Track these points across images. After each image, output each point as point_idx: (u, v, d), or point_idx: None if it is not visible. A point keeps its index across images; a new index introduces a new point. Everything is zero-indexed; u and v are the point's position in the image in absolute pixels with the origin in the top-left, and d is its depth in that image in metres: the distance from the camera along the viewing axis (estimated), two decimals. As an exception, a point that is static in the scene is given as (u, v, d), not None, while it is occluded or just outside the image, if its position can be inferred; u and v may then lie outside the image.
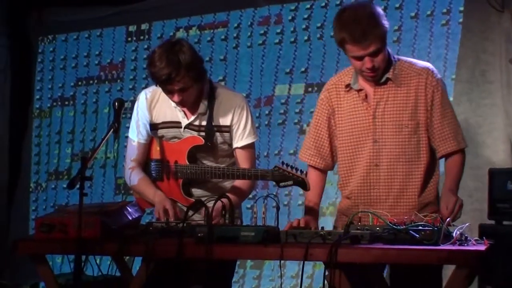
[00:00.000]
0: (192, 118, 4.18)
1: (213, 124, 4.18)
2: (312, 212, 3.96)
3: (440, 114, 3.84)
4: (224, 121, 4.19)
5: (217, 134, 4.18)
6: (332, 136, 4.02)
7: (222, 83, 6.41)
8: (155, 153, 4.29)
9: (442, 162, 3.98)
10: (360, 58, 3.75)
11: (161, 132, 4.25)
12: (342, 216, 4.00)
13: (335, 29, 3.80)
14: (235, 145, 4.21)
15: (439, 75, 3.91)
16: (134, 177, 4.26)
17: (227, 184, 4.27)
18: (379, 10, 3.79)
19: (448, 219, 3.42)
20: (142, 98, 4.30)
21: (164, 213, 4.05)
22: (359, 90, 3.90)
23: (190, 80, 4.01)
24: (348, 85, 3.94)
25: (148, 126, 4.27)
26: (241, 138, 4.19)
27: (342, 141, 3.97)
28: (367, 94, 3.89)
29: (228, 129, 4.19)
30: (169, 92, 4.06)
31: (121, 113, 3.88)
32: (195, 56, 4.07)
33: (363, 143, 3.89)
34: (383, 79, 3.85)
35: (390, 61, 3.86)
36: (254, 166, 4.27)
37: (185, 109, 4.18)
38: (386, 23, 3.75)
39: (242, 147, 4.20)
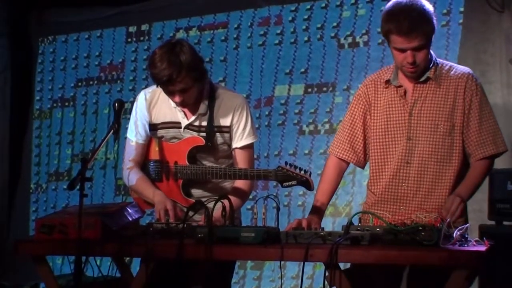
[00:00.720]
0: (192, 118, 4.18)
1: (213, 124, 4.18)
2: (317, 211, 3.92)
3: (478, 118, 3.83)
4: (225, 121, 4.19)
5: (218, 134, 4.18)
6: (366, 131, 4.00)
7: (222, 83, 6.42)
8: (154, 154, 4.28)
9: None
10: (403, 51, 3.74)
11: (160, 132, 4.24)
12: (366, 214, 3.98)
13: (382, 19, 3.79)
14: (234, 145, 4.20)
15: (479, 80, 3.90)
16: (132, 176, 4.26)
17: (227, 184, 4.26)
18: (430, 8, 3.78)
19: (448, 220, 3.42)
20: (141, 99, 4.30)
21: (164, 214, 4.04)
22: (399, 87, 3.90)
23: (191, 80, 4.01)
24: (388, 81, 3.93)
25: (147, 127, 4.26)
26: (241, 138, 4.19)
27: (375, 136, 3.95)
28: (406, 91, 3.89)
29: (228, 129, 4.19)
30: (170, 93, 4.06)
31: (121, 114, 3.87)
32: (195, 56, 4.07)
33: (397, 139, 3.88)
34: (424, 78, 3.85)
35: (431, 61, 3.86)
36: (253, 167, 4.26)
37: (185, 109, 4.18)
38: (435, 22, 3.75)
39: (241, 148, 4.20)
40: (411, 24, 3.67)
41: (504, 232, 4.60)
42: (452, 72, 3.88)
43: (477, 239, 3.43)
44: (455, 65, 3.97)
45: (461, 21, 5.67)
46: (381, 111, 3.94)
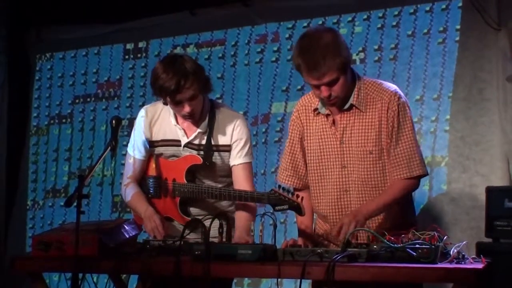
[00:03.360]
0: (192, 136, 4.19)
1: (212, 143, 4.18)
2: (305, 233, 3.95)
3: (395, 140, 3.80)
4: (224, 140, 4.19)
5: (216, 154, 4.19)
6: (306, 156, 4.01)
7: (220, 100, 6.42)
8: (153, 170, 4.28)
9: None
10: (316, 87, 3.72)
11: (160, 150, 4.25)
12: (319, 236, 4.00)
13: (293, 53, 3.77)
14: (232, 162, 4.21)
15: (403, 98, 3.85)
16: (128, 192, 4.27)
17: (224, 203, 4.26)
18: (340, 38, 3.74)
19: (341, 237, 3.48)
20: (142, 115, 4.31)
21: (151, 231, 4.04)
22: (327, 115, 3.89)
23: (199, 86, 4.03)
24: (316, 109, 3.93)
25: (146, 143, 4.27)
26: (240, 156, 4.20)
27: (311, 164, 3.96)
28: (334, 119, 3.88)
29: (228, 148, 4.19)
30: (178, 103, 4.05)
31: (118, 131, 3.88)
32: (197, 64, 4.13)
33: (332, 167, 3.89)
34: (347, 105, 3.83)
35: (354, 84, 3.83)
36: (252, 184, 4.27)
37: (185, 127, 4.19)
38: (345, 52, 3.71)
39: (240, 165, 4.20)
40: (317, 62, 3.62)
41: (501, 249, 4.59)
42: (376, 93, 3.84)
43: (474, 256, 3.43)
44: (381, 82, 3.92)
45: (457, 38, 5.69)
46: (314, 138, 3.94)
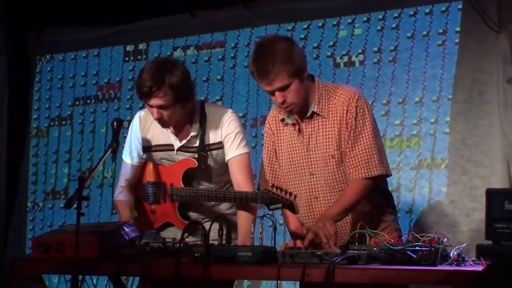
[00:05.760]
0: (185, 141, 4.18)
1: (205, 144, 4.17)
2: (300, 237, 3.95)
3: (353, 140, 3.81)
4: (215, 138, 4.18)
5: (211, 153, 4.17)
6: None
7: (219, 103, 6.43)
8: (150, 176, 4.28)
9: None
10: (271, 93, 3.75)
11: (153, 154, 4.24)
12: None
13: (249, 61, 3.83)
14: (227, 157, 4.19)
15: (362, 99, 3.85)
16: (116, 197, 4.28)
17: (223, 207, 4.26)
18: (294, 46, 3.77)
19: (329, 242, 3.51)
20: (136, 120, 4.30)
21: None
22: (294, 124, 3.92)
23: (170, 99, 3.99)
24: (283, 119, 3.96)
25: (140, 148, 4.26)
26: (233, 149, 4.18)
27: (284, 173, 4.00)
28: (300, 128, 3.91)
29: (220, 145, 4.18)
30: (150, 107, 4.06)
31: (119, 133, 3.88)
32: (184, 79, 4.04)
33: (302, 175, 3.93)
34: (309, 113, 3.86)
35: (314, 93, 3.85)
36: (251, 177, 4.25)
37: (177, 131, 4.18)
38: (299, 59, 3.73)
39: (233, 158, 4.18)
40: (266, 68, 3.66)
41: (501, 251, 4.60)
42: (337, 98, 3.85)
43: (474, 259, 3.43)
44: (341, 87, 3.92)
45: (457, 40, 5.69)
46: (284, 148, 3.98)
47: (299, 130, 3.91)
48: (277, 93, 3.72)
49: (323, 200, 3.90)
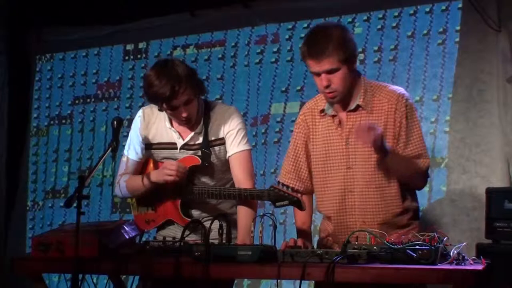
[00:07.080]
0: (188, 138, 4.18)
1: (208, 140, 4.17)
2: (304, 234, 3.96)
3: (405, 140, 3.84)
4: (218, 134, 4.19)
5: (213, 149, 4.17)
6: (309, 159, 4.03)
7: (219, 101, 6.42)
8: (151, 173, 4.28)
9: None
10: (317, 74, 3.77)
11: (156, 152, 4.24)
12: (325, 237, 4.01)
13: (301, 44, 3.86)
14: (229, 153, 4.19)
15: (410, 100, 3.91)
16: (122, 183, 4.24)
17: (225, 205, 4.26)
18: (348, 34, 3.82)
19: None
20: (140, 116, 4.30)
21: (172, 172, 4.04)
22: (333, 116, 3.92)
23: (193, 90, 4.03)
24: (322, 110, 3.95)
25: (141, 145, 4.26)
26: (234, 146, 4.18)
27: (316, 164, 3.98)
28: (341, 120, 3.90)
29: (222, 141, 4.18)
30: (174, 109, 4.04)
31: (119, 132, 3.88)
32: (189, 67, 4.11)
33: (338, 168, 3.91)
34: (354, 106, 3.86)
35: (358, 84, 3.88)
36: (251, 174, 4.26)
37: (180, 129, 4.18)
38: (351, 47, 3.78)
39: (233, 155, 4.18)
40: (320, 48, 3.71)
41: (501, 251, 4.59)
42: (383, 95, 3.88)
43: (474, 257, 3.43)
44: (387, 85, 3.98)
45: (457, 39, 5.69)
46: (320, 140, 3.96)
47: (339, 123, 3.90)
48: (323, 75, 3.73)
49: (359, 195, 3.87)
